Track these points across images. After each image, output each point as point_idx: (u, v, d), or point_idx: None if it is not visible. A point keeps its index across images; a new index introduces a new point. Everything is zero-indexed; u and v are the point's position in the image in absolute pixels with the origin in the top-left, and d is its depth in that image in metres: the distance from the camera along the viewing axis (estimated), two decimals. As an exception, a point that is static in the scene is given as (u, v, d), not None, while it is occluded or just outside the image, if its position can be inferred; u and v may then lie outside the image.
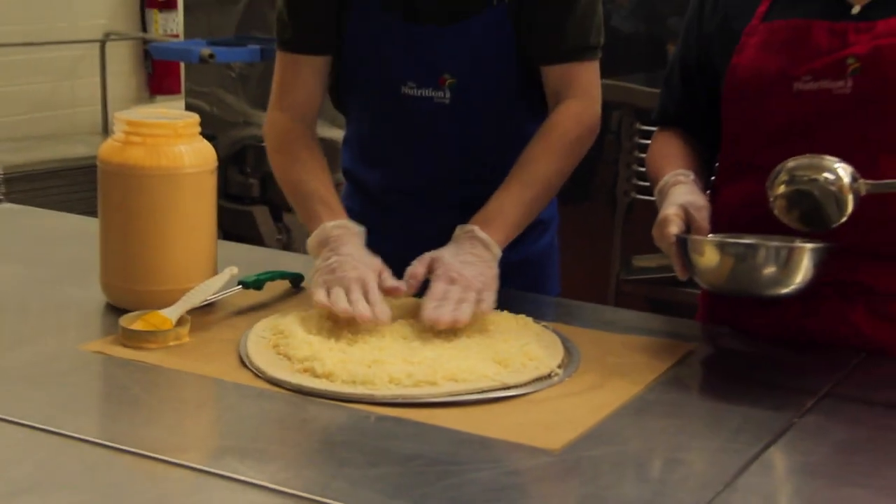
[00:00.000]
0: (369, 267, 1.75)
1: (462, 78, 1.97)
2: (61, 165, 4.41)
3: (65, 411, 1.47)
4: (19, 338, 1.74)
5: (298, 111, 2.03)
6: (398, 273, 1.84)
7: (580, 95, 1.97)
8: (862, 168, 1.64)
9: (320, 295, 1.69)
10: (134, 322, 1.69)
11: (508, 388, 1.54)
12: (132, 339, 1.67)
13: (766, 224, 1.71)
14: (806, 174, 1.64)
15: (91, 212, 1.91)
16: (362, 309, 1.66)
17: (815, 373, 1.65)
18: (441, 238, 1.91)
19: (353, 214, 2.12)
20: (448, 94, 1.97)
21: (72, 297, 1.88)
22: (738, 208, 1.79)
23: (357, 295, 1.69)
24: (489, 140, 2.02)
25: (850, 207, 1.62)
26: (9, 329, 1.78)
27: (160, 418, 1.52)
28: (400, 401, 1.50)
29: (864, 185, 1.61)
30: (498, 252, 1.82)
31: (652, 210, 1.77)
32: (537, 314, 1.81)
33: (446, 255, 1.78)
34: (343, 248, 1.79)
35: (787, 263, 1.64)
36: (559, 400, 1.53)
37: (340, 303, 1.67)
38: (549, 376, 1.58)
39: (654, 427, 1.49)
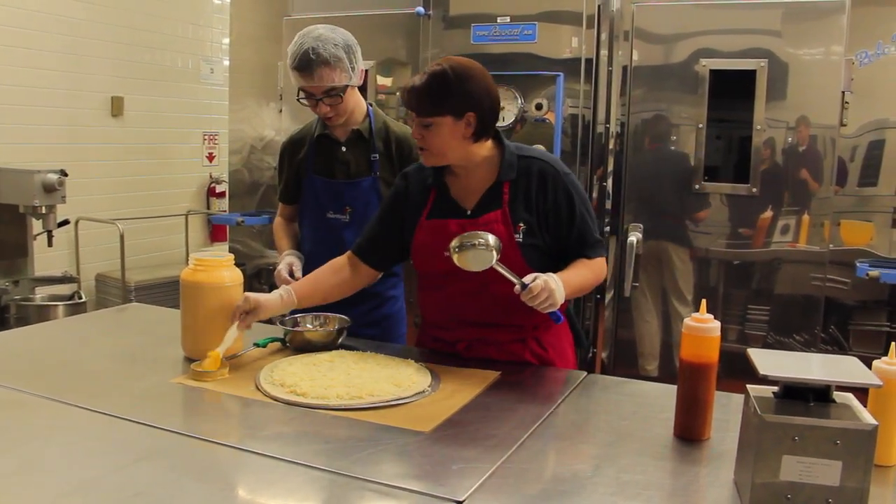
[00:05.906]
0: (295, 257, 2.23)
1: (355, 208, 2.24)
2: (163, 282, 4.50)
3: (162, 414, 1.49)
4: (138, 375, 1.73)
5: (286, 219, 2.41)
6: None
7: None
8: (480, 284, 1.74)
9: (280, 271, 2.15)
10: (199, 366, 1.70)
11: (401, 398, 1.55)
12: (198, 375, 1.68)
13: (444, 302, 1.86)
14: (471, 239, 1.65)
15: (178, 306, 1.92)
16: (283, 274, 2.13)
17: (561, 388, 1.69)
18: None
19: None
20: (348, 217, 2.24)
21: (167, 353, 1.85)
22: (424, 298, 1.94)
23: (285, 273, 2.14)
24: None
25: (494, 259, 1.63)
26: (133, 371, 1.76)
27: (213, 418, 1.55)
28: (342, 407, 1.51)
29: (497, 254, 1.63)
30: None
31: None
32: (418, 359, 1.80)
33: None
34: (285, 258, 2.22)
35: (333, 338, 1.90)
36: (429, 404, 1.55)
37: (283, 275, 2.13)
38: (423, 391, 1.60)
39: (479, 415, 1.51)
